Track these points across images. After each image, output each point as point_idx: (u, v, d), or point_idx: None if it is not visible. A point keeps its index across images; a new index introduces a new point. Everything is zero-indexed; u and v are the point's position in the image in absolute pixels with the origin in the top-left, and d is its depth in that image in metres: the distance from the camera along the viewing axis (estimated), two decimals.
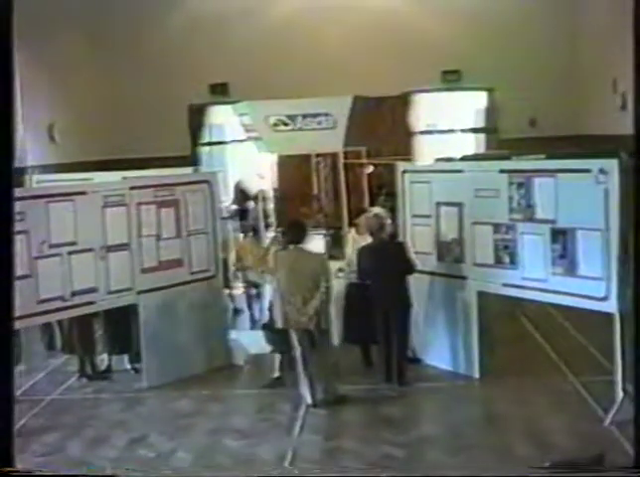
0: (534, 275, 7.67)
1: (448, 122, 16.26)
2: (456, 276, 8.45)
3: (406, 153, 14.46)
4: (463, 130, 16.15)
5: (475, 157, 11.59)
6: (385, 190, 12.50)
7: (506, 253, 7.93)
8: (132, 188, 8.55)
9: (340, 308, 8.94)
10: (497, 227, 7.97)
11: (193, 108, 15.69)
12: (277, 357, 8.49)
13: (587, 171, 7.04)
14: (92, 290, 8.19)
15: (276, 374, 8.49)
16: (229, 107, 13.60)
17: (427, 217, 8.69)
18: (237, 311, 11.12)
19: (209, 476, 6.59)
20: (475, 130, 15.94)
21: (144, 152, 14.06)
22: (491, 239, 8.04)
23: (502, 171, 7.92)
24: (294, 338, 7.84)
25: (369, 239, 8.56)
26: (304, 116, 11.17)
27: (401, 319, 8.23)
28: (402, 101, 15.34)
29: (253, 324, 10.37)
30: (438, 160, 10.77)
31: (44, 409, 8.20)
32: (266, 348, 8.60)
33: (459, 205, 8.33)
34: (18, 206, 6.32)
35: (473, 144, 15.96)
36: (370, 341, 8.66)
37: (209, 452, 6.96)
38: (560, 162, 7.73)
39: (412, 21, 14.99)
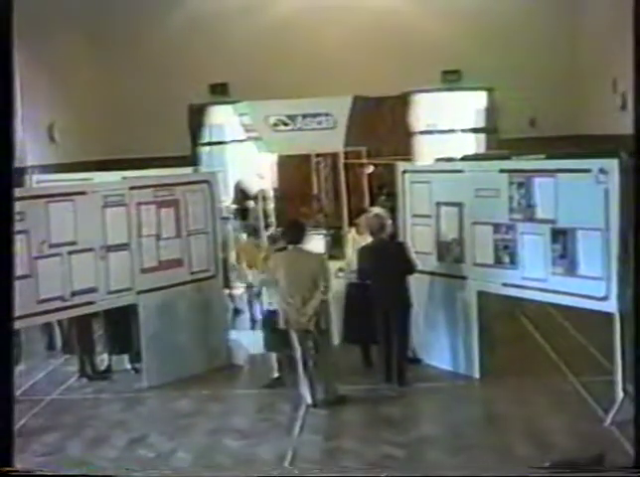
0: (534, 275, 7.66)
1: (448, 122, 16.23)
2: (456, 276, 8.45)
3: (407, 153, 14.46)
4: (463, 130, 16.12)
5: (475, 157, 11.58)
6: (385, 190, 12.53)
7: (506, 253, 7.92)
8: (132, 188, 8.55)
9: (340, 308, 8.95)
10: (497, 226, 7.96)
11: (193, 108, 15.69)
12: (275, 356, 8.48)
13: (587, 171, 7.04)
14: (92, 290, 8.18)
15: (276, 374, 8.48)
16: (229, 107, 13.60)
17: (427, 217, 8.69)
18: (237, 311, 11.14)
19: (209, 476, 6.58)
20: (475, 130, 15.93)
21: (144, 152, 14.05)
22: (491, 239, 8.03)
23: (502, 171, 7.91)
24: (294, 338, 7.83)
25: (369, 239, 8.54)
26: (304, 116, 11.14)
27: (402, 319, 8.22)
28: (402, 101, 15.35)
29: (253, 324, 10.36)
30: (438, 160, 10.79)
31: (44, 409, 8.20)
32: (265, 348, 8.61)
33: (459, 205, 8.33)
34: (18, 206, 6.34)
35: (473, 144, 15.94)
36: (370, 341, 8.66)
37: (209, 452, 6.95)
38: (559, 162, 7.72)
39: (413, 21, 15.00)
